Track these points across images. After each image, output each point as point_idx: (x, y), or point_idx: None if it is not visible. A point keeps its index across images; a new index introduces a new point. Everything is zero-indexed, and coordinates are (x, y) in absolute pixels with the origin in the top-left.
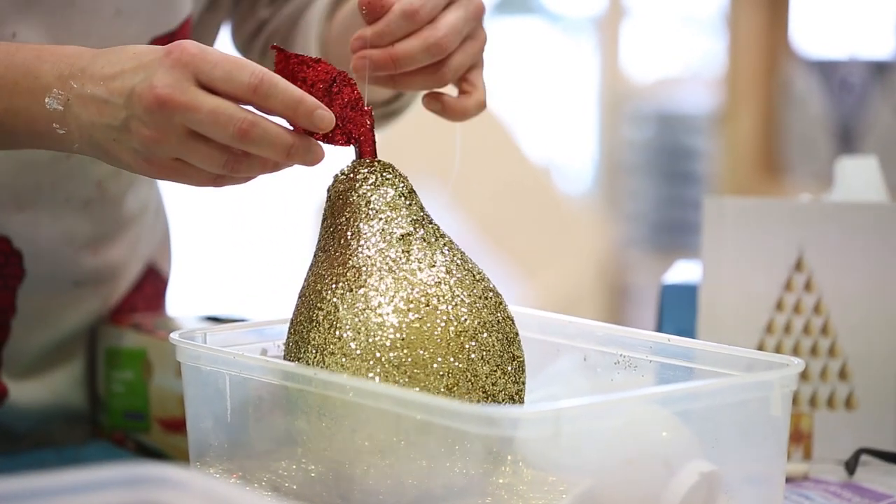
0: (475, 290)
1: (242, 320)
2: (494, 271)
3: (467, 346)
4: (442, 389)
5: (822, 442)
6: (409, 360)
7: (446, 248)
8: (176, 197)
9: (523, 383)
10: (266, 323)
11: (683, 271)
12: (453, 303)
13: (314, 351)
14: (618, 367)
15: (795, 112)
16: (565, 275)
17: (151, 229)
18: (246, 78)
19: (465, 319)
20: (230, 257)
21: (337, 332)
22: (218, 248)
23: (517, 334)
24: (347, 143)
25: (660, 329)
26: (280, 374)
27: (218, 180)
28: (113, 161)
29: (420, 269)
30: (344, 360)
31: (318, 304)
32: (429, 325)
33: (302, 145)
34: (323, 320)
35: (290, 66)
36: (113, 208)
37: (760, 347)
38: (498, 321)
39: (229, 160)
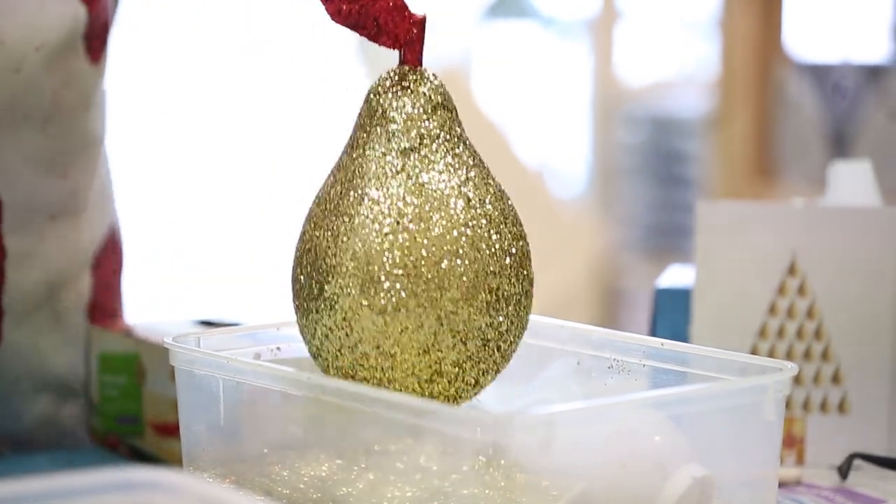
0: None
1: (236, 324)
2: None
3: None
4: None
5: (815, 446)
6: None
7: (447, 161)
8: (167, 201)
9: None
10: (260, 327)
11: (677, 275)
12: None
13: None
14: (611, 372)
15: (789, 116)
16: (558, 278)
17: (107, 188)
18: None
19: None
20: (221, 259)
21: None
22: (208, 251)
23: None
24: (393, 47)
25: (653, 333)
26: (274, 378)
27: None
28: None
29: (415, 181)
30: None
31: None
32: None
33: None
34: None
35: None
36: (71, 126)
37: (754, 351)
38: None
39: None
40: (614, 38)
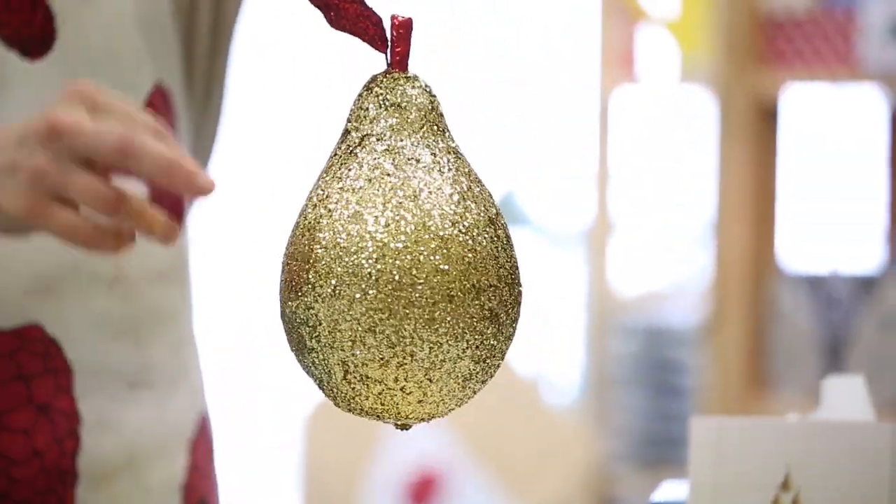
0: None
1: None
2: (480, 484)
3: None
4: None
5: None
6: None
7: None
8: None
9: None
10: None
11: (671, 490)
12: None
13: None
14: None
15: (782, 327)
16: (552, 488)
17: (194, 369)
18: (141, 119)
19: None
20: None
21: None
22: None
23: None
24: (383, 50)
25: None
26: None
27: (93, 236)
28: None
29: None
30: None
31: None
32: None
33: (185, 166)
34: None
35: None
36: (139, 292)
37: None
38: None
39: (111, 194)
40: (608, 249)
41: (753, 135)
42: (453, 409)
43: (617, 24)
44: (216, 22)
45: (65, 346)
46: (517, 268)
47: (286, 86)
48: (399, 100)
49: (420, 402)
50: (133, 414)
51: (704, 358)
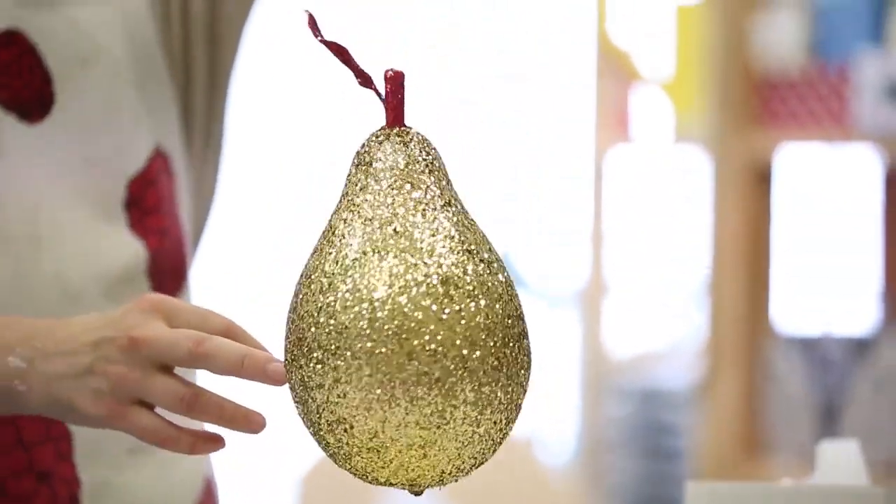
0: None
1: None
2: None
3: None
4: None
5: None
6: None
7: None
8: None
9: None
10: None
11: None
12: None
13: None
14: None
15: (776, 389)
16: None
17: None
18: (217, 322)
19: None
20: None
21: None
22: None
23: None
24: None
25: None
26: None
27: (171, 437)
28: (66, 414)
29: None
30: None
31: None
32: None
33: (257, 357)
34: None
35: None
36: None
37: None
38: None
39: (187, 394)
40: (603, 310)
41: (748, 194)
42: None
43: (612, 84)
44: (212, 79)
45: None
46: (481, 328)
47: (287, 120)
48: (385, 159)
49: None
50: (134, 480)
51: (698, 420)
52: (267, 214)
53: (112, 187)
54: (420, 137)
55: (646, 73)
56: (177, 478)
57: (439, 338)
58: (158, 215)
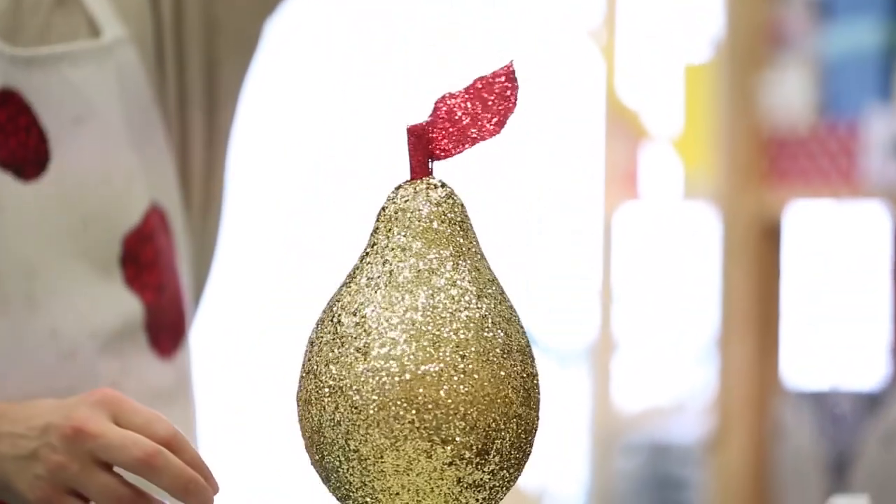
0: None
1: None
2: None
3: None
4: None
5: None
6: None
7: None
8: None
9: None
10: None
11: None
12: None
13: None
14: None
15: (786, 444)
16: None
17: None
18: (161, 429)
19: None
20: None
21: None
22: None
23: None
24: None
25: None
26: None
27: None
28: (3, 492)
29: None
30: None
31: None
32: None
33: (200, 483)
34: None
35: None
36: None
37: None
38: None
39: (125, 496)
40: (612, 366)
41: (756, 251)
42: None
43: (620, 142)
44: (210, 138)
45: None
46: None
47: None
48: (444, 212)
49: None
50: None
51: (707, 474)
52: (272, 270)
53: (107, 243)
54: (447, 191)
55: (654, 131)
56: None
57: None
58: (155, 271)
